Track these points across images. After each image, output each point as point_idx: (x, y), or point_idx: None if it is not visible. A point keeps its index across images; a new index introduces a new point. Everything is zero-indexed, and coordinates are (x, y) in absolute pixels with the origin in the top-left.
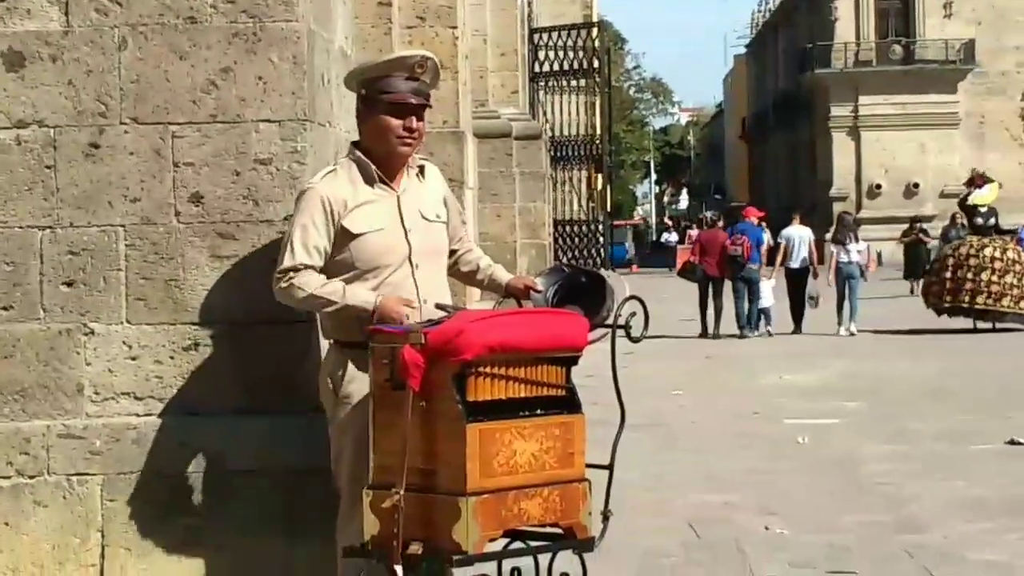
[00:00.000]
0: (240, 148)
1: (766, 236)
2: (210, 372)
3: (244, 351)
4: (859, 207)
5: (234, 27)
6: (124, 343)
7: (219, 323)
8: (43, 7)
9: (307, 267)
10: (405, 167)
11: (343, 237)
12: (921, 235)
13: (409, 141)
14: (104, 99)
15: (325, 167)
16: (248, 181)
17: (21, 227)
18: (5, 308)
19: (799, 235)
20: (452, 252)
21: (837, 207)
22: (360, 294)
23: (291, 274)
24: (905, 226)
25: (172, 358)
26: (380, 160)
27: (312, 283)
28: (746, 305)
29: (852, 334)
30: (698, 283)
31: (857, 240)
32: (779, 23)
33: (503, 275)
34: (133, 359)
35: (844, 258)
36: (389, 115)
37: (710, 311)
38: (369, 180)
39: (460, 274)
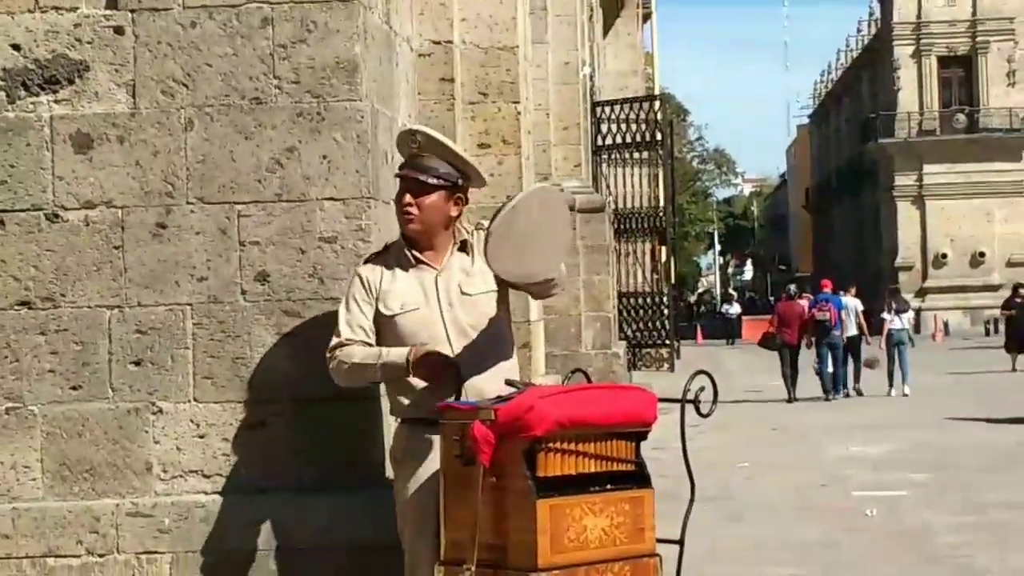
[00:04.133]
0: (305, 226)
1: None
2: (277, 449)
3: (311, 428)
4: (925, 276)
5: (298, 107)
6: (192, 421)
7: (286, 400)
8: (111, 90)
9: (351, 341)
10: (449, 244)
11: (379, 318)
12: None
13: (407, 216)
14: (171, 179)
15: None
16: (313, 259)
17: (90, 307)
18: (74, 388)
19: (849, 305)
20: None
21: (903, 277)
22: (395, 351)
23: (336, 351)
24: (996, 294)
25: (240, 436)
26: (415, 239)
27: (354, 353)
28: (830, 369)
29: (906, 395)
30: (779, 352)
31: (906, 310)
32: (842, 93)
33: None
34: (201, 437)
35: (896, 325)
36: (397, 190)
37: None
38: (409, 259)
39: None
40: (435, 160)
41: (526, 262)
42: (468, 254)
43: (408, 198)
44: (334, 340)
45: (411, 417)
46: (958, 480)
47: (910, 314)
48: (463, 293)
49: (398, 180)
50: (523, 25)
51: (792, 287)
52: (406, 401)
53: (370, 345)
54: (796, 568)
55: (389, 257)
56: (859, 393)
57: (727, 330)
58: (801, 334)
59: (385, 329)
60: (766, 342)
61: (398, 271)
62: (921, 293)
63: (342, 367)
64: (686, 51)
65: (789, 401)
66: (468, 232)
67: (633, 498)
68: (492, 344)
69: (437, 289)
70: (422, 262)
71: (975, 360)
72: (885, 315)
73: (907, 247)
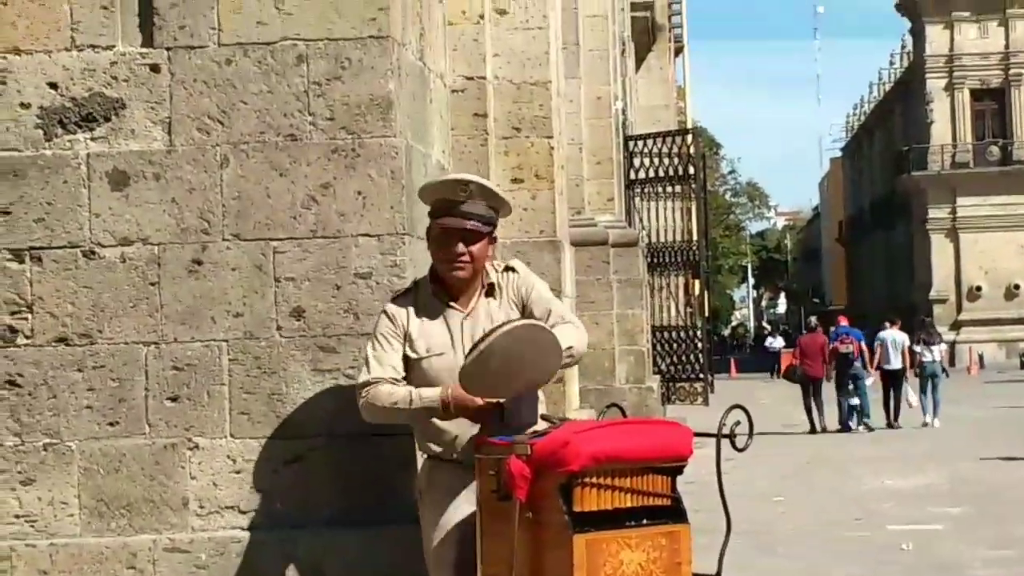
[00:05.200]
0: (340, 262)
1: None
2: (313, 485)
3: (346, 464)
4: (959, 309)
5: (333, 143)
6: (228, 457)
7: (321, 436)
8: (147, 127)
9: (380, 380)
10: (478, 286)
11: (406, 359)
12: None
13: (459, 266)
14: (206, 216)
15: (409, 284)
16: (348, 295)
17: (126, 343)
18: (112, 423)
19: (893, 338)
20: None
21: (937, 309)
22: (427, 393)
23: (365, 389)
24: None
25: (276, 471)
26: (445, 282)
27: (383, 394)
28: (850, 400)
29: (935, 426)
30: (800, 384)
31: (936, 343)
32: (874, 126)
33: None
34: (237, 473)
35: (928, 357)
36: (439, 239)
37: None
38: (438, 301)
39: None
40: (478, 204)
41: (507, 389)
42: (495, 298)
43: (462, 247)
44: (363, 377)
45: (435, 455)
46: (994, 514)
47: (942, 346)
48: None
49: (439, 227)
50: (555, 60)
51: (813, 320)
52: (430, 441)
53: (398, 384)
54: None
55: (417, 297)
56: (897, 426)
57: (772, 364)
58: (824, 366)
59: (411, 371)
60: (788, 374)
61: (429, 310)
62: (956, 326)
63: (372, 406)
64: (718, 85)
65: (812, 432)
66: (496, 272)
67: (670, 533)
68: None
69: (463, 334)
70: (450, 305)
71: (1011, 393)
72: (916, 347)
73: (941, 280)
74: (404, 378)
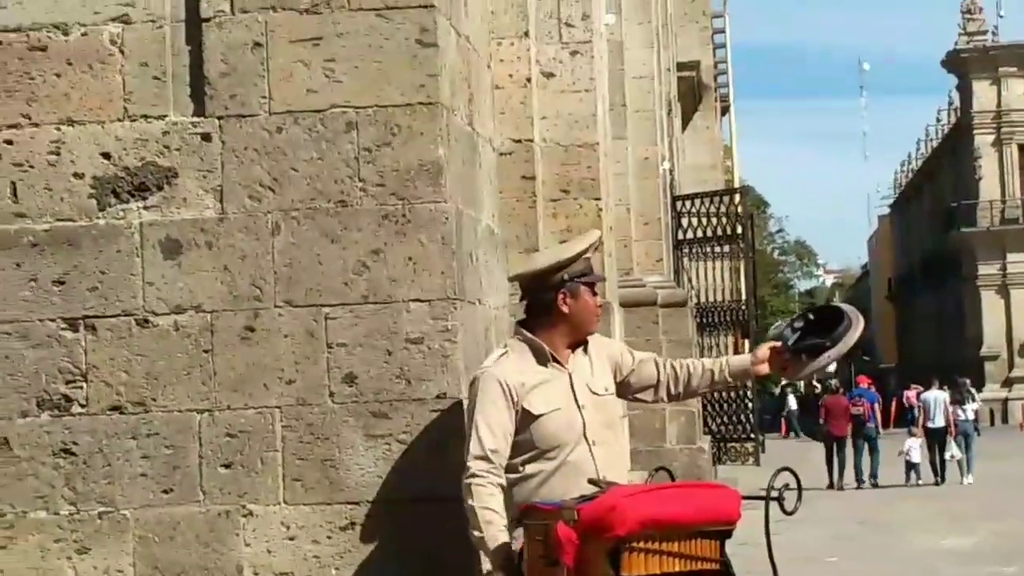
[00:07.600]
0: (391, 328)
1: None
2: (367, 551)
3: (400, 529)
4: (1011, 366)
5: (383, 209)
6: (282, 524)
7: (375, 502)
8: (199, 196)
9: (494, 466)
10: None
11: (524, 418)
12: None
13: (599, 316)
14: (258, 283)
15: (497, 349)
16: (400, 360)
17: (180, 411)
18: (165, 491)
19: (935, 398)
20: (659, 385)
21: (988, 366)
22: (497, 548)
23: (480, 468)
24: None
25: (329, 538)
26: (563, 339)
27: (482, 496)
28: (865, 459)
29: (969, 483)
30: (824, 442)
31: (973, 401)
32: (922, 182)
33: (741, 360)
34: (291, 539)
35: (961, 416)
36: (589, 296)
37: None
38: (542, 361)
39: (695, 390)
40: None
41: None
42: (586, 354)
43: (599, 299)
44: (475, 448)
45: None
46: None
47: (975, 405)
48: (593, 392)
49: (589, 281)
50: (603, 122)
51: (834, 382)
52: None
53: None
54: None
55: (517, 359)
56: (941, 483)
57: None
58: (847, 426)
59: (529, 429)
60: (812, 433)
61: (534, 370)
62: (1007, 383)
63: (469, 494)
64: (764, 143)
65: (830, 488)
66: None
67: None
68: (622, 441)
69: (573, 389)
70: (556, 362)
71: None
72: (951, 407)
73: (992, 336)
74: (515, 439)
